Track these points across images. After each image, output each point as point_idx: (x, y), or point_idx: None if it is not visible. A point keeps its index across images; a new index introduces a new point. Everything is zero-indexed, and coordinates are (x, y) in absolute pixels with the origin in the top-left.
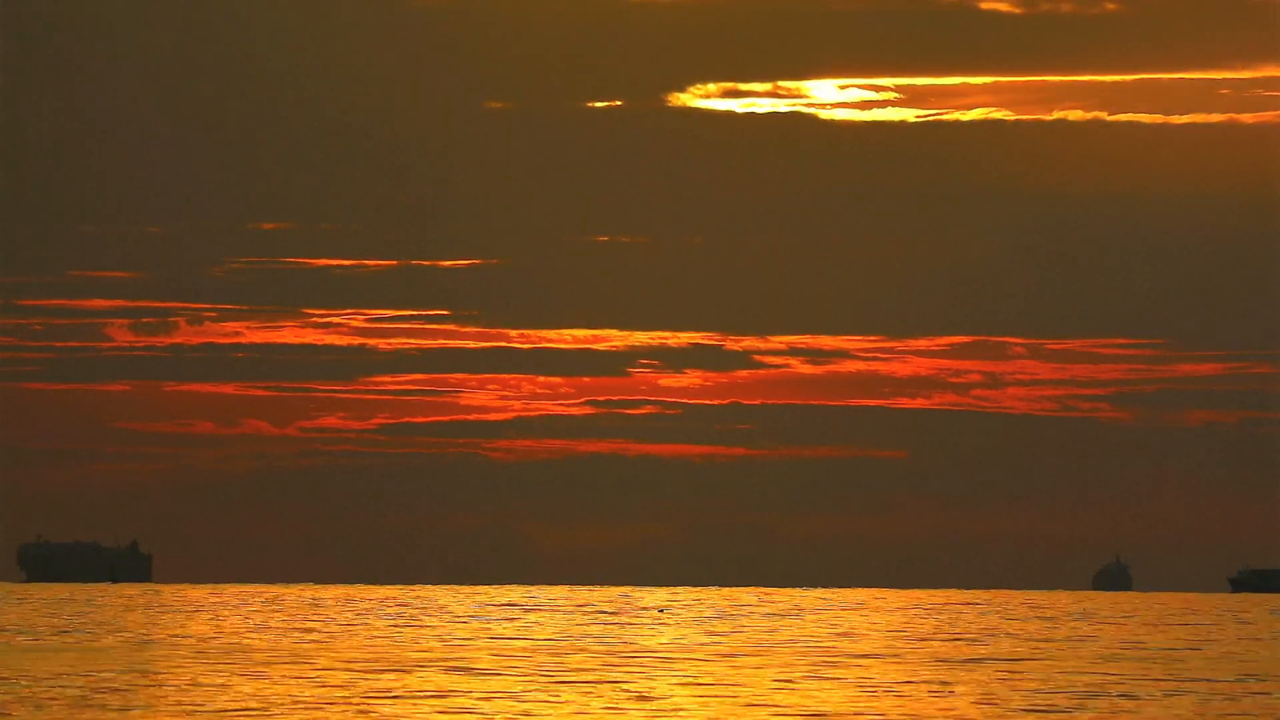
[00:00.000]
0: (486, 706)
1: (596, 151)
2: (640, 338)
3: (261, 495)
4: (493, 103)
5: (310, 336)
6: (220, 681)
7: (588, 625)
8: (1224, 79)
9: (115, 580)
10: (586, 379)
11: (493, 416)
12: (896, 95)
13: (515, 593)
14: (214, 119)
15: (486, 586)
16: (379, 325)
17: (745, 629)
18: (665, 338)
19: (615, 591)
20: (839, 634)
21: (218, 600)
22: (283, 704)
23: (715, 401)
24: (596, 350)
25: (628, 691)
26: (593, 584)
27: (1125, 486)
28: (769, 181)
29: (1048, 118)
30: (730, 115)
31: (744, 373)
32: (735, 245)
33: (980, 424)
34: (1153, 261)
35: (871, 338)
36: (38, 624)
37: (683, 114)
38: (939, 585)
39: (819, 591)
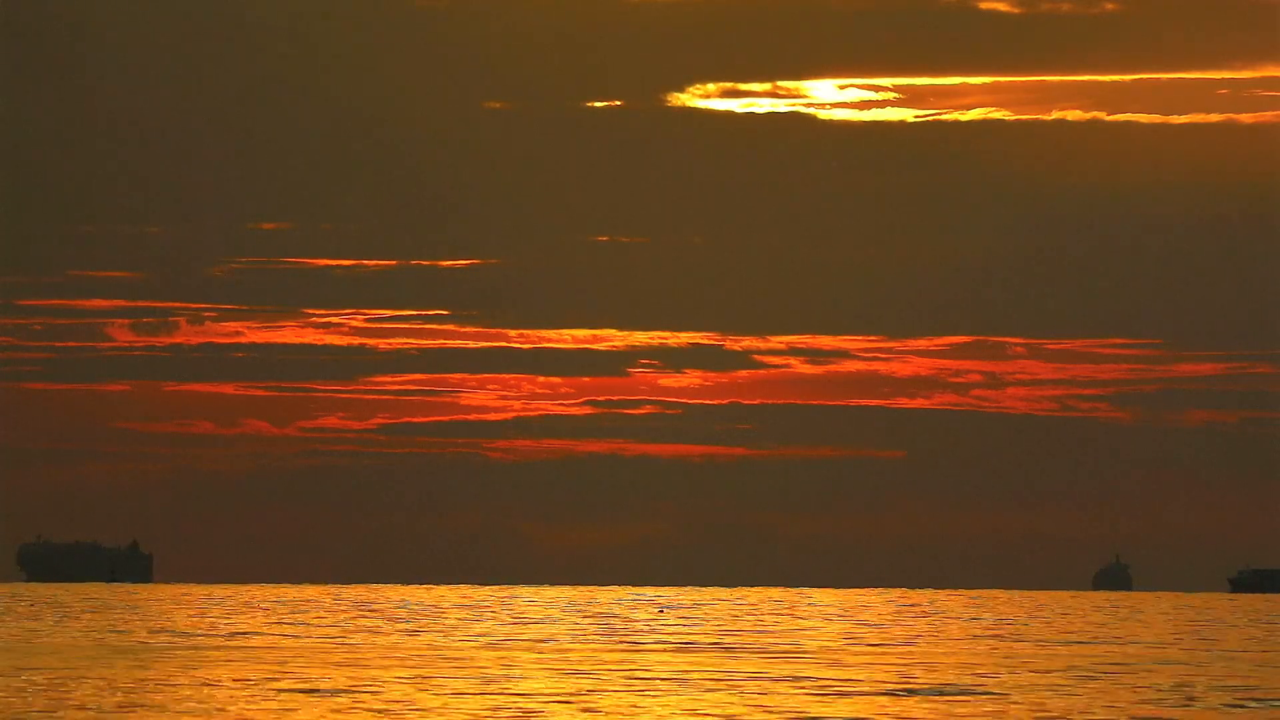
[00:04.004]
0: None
1: (596, 151)
2: (640, 338)
3: (261, 495)
4: (492, 103)
5: (310, 336)
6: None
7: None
8: (1223, 79)
9: (115, 580)
10: (586, 379)
11: (492, 416)
12: (895, 95)
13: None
14: (214, 119)
15: (487, 587)
16: (378, 325)
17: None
18: (665, 338)
19: (617, 592)
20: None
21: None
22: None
23: (715, 401)
24: (596, 350)
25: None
26: (593, 584)
27: (1125, 486)
28: (768, 181)
29: (1046, 118)
30: (729, 115)
31: (744, 373)
32: (735, 245)
33: (980, 424)
34: (1152, 261)
35: (871, 338)
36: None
37: (682, 114)
38: (939, 585)
39: (823, 592)
